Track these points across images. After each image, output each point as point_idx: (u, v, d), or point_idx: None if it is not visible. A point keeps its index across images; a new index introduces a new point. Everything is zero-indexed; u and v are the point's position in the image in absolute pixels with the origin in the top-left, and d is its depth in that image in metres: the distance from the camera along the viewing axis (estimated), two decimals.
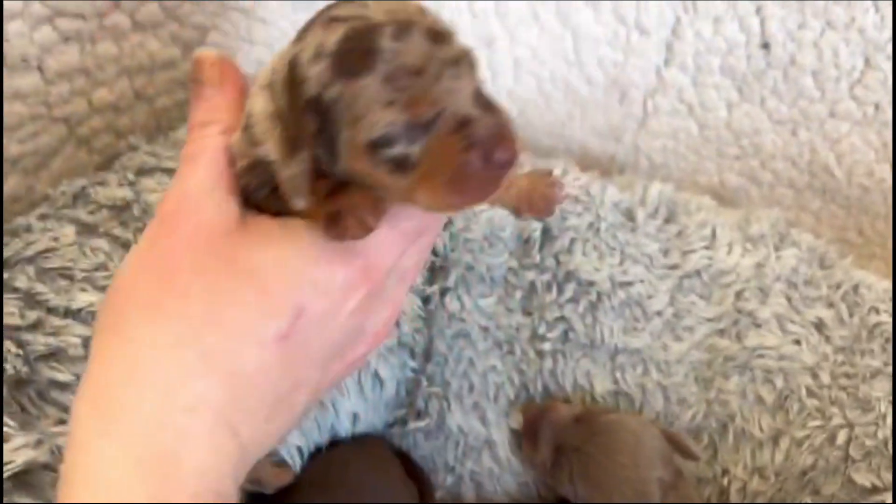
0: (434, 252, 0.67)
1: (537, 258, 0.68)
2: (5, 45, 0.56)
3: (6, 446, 0.46)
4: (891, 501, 0.57)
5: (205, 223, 0.36)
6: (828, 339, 0.66)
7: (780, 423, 0.65)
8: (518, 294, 0.69)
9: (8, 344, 0.50)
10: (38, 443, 0.46)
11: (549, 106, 0.77)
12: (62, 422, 0.49)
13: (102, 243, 0.56)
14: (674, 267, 0.69)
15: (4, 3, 0.55)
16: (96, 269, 0.55)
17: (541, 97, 0.76)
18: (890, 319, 0.65)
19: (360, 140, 0.33)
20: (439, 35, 0.34)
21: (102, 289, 0.53)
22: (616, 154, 0.81)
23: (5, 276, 0.54)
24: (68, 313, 0.53)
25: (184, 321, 0.35)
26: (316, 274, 0.37)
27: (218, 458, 0.34)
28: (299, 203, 0.35)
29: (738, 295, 0.68)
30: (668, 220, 0.70)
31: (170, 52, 0.64)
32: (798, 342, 0.66)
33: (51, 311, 0.53)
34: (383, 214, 0.35)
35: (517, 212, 0.44)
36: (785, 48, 0.70)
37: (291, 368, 0.37)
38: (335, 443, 0.67)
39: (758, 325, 0.67)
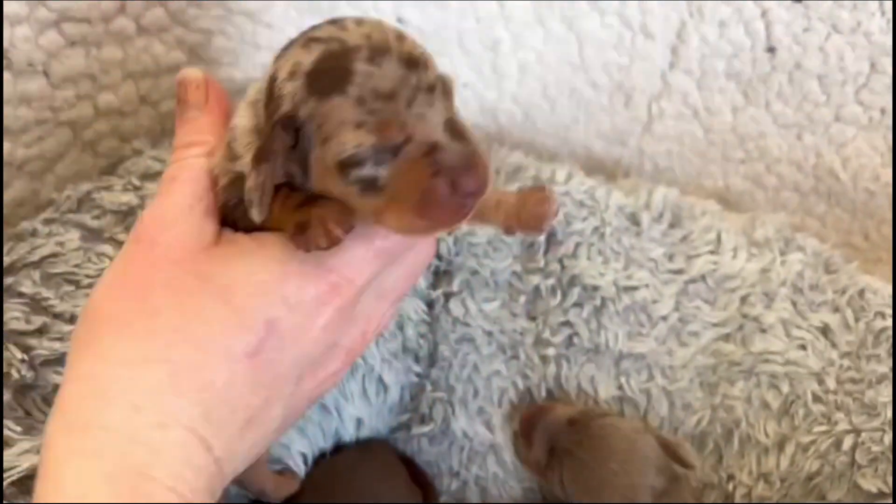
0: (438, 256, 0.67)
1: (542, 263, 0.68)
2: (12, 50, 0.56)
3: (10, 451, 0.46)
4: None
5: (178, 241, 0.37)
6: (833, 345, 0.65)
7: (785, 428, 0.65)
8: (522, 299, 0.68)
9: (13, 349, 0.50)
10: None
11: (553, 110, 0.77)
12: None
13: (107, 248, 0.56)
14: (679, 272, 0.68)
15: (11, 8, 0.55)
16: (101, 275, 0.55)
17: (545, 101, 0.76)
18: None
19: (330, 159, 0.34)
20: (414, 61, 0.34)
21: None
22: (621, 158, 0.81)
23: (10, 280, 0.54)
24: (73, 318, 0.53)
25: (154, 338, 0.35)
26: (287, 289, 0.37)
27: (190, 472, 0.34)
28: (256, 215, 0.35)
29: (744, 300, 0.67)
30: (672, 225, 0.69)
31: (175, 56, 0.64)
32: (804, 347, 0.66)
33: (56, 316, 0.53)
34: (351, 226, 0.35)
35: (507, 231, 0.44)
36: (790, 52, 0.70)
37: (263, 383, 0.37)
38: (340, 448, 0.67)
39: (763, 331, 0.66)
